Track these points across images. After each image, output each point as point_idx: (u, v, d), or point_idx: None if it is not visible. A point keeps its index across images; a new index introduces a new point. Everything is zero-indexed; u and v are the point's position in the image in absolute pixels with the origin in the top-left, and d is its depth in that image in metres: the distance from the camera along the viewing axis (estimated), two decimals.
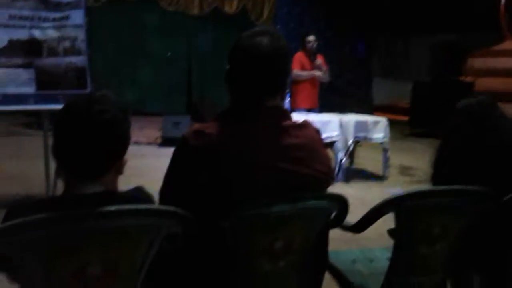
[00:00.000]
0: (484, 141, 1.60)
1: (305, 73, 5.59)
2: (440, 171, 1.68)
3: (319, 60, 5.69)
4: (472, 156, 1.61)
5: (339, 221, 1.50)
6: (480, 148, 1.61)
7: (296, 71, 5.47)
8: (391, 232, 1.91)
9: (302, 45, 5.71)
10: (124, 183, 1.40)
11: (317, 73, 5.65)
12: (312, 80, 5.73)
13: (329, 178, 1.53)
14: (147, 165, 4.90)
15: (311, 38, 5.66)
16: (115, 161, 1.27)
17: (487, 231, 1.65)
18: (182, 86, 10.26)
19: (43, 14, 3.77)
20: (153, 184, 1.51)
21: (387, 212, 1.49)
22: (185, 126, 6.91)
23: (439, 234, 1.55)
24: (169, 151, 1.46)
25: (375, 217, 1.48)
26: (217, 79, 9.94)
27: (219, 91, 9.53)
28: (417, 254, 1.55)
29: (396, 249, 1.56)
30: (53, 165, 3.76)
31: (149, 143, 6.94)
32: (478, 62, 10.51)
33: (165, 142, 6.79)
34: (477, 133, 1.61)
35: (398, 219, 1.51)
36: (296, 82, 5.64)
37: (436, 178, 1.70)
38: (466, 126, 1.61)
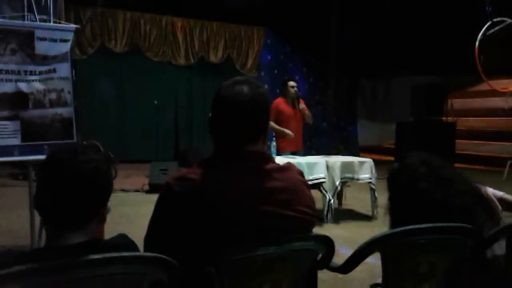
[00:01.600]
0: (439, 192, 1.67)
1: (276, 128, 5.57)
2: (397, 219, 1.74)
3: (302, 104, 5.77)
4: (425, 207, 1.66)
5: (326, 262, 1.49)
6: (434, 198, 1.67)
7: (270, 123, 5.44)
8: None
9: (283, 91, 5.82)
10: (112, 231, 1.39)
11: (287, 131, 5.60)
12: (295, 123, 5.76)
13: (314, 220, 1.54)
14: (135, 212, 4.85)
15: (292, 83, 5.75)
16: (98, 210, 1.28)
17: (473, 268, 1.65)
18: (169, 134, 10.33)
19: (30, 67, 3.82)
20: (141, 231, 1.50)
21: (373, 252, 1.49)
22: (172, 172, 6.89)
23: (426, 272, 1.55)
24: (156, 197, 1.47)
25: (361, 256, 1.48)
26: (203, 126, 10.11)
27: (206, 138, 9.65)
28: None
29: None
30: (38, 216, 3.72)
31: (136, 190, 6.89)
32: (457, 103, 10.82)
33: (153, 188, 6.76)
34: (431, 186, 1.68)
35: (384, 258, 1.52)
36: (280, 126, 5.69)
37: (394, 225, 1.74)
38: (400, 187, 1.71)
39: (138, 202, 5.94)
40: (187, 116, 10.55)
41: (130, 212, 4.87)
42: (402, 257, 1.52)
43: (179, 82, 10.43)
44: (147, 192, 6.83)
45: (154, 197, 1.47)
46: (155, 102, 9.82)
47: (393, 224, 1.73)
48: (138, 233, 1.48)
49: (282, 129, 5.61)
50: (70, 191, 1.21)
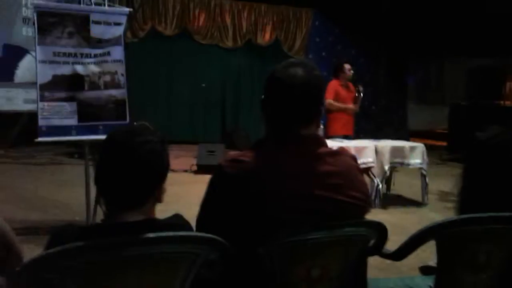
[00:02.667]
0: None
1: (338, 105, 5.58)
2: (468, 200, 1.63)
3: (361, 87, 5.75)
4: (500, 185, 1.56)
5: (378, 249, 1.47)
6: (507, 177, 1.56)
7: (330, 101, 5.50)
8: (423, 270, 1.85)
9: (336, 73, 5.74)
10: (162, 209, 1.43)
11: (351, 106, 5.67)
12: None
13: (367, 205, 1.52)
14: (183, 192, 4.96)
15: (349, 66, 5.72)
16: (155, 190, 1.31)
17: None
18: (216, 116, 10.43)
19: (86, 50, 3.95)
20: (190, 210, 1.53)
21: (428, 240, 1.45)
22: (219, 154, 7.00)
23: (484, 262, 1.50)
24: (204, 178, 1.48)
25: (416, 244, 1.44)
26: (250, 108, 10.13)
27: (253, 120, 9.68)
28: (461, 283, 1.50)
29: (439, 277, 1.51)
30: (93, 193, 3.88)
31: (185, 171, 7.04)
32: None
33: (200, 169, 6.89)
34: (504, 164, 1.57)
35: (440, 247, 1.47)
36: (332, 110, 5.65)
37: (463, 207, 1.65)
38: (493, 156, 1.58)
39: (186, 182, 6.06)
40: (234, 99, 10.60)
41: (179, 191, 4.98)
42: (459, 246, 1.47)
43: (227, 65, 10.46)
44: (195, 172, 6.97)
45: (202, 177, 1.50)
46: (203, 85, 9.94)
47: (461, 205, 1.63)
48: (186, 212, 1.50)
49: (344, 105, 5.60)
50: (128, 172, 1.25)
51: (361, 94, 5.72)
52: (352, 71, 5.71)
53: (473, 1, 9.63)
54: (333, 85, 5.58)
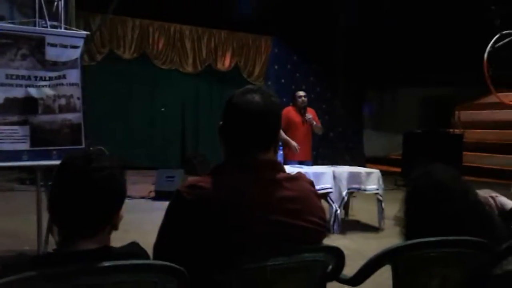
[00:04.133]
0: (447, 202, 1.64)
1: (284, 137, 5.46)
2: (411, 229, 1.71)
3: (310, 114, 5.80)
4: (437, 216, 1.64)
5: (336, 274, 1.48)
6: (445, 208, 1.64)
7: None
8: None
9: (293, 100, 5.86)
10: (118, 238, 1.39)
11: (293, 143, 5.58)
12: (303, 133, 5.79)
13: (324, 230, 1.53)
14: (141, 219, 4.84)
15: (301, 93, 5.82)
16: (111, 217, 1.28)
17: (485, 283, 1.63)
18: (175, 141, 10.35)
19: (40, 73, 3.85)
20: (147, 238, 1.49)
21: (384, 264, 1.48)
22: (179, 179, 6.91)
23: (439, 286, 1.53)
24: (163, 204, 1.46)
25: (373, 269, 1.46)
26: (210, 133, 10.11)
27: (213, 145, 9.66)
28: None
29: None
30: (45, 221, 3.72)
31: (142, 197, 6.89)
32: (464, 115, 10.78)
33: (159, 196, 6.77)
34: (440, 195, 1.66)
35: (395, 271, 1.50)
36: (288, 135, 5.68)
37: (407, 232, 1.71)
38: (429, 189, 1.68)
39: (144, 209, 5.93)
40: (193, 124, 10.58)
41: (136, 219, 4.85)
42: (414, 270, 1.51)
43: (186, 90, 10.46)
44: (153, 199, 6.83)
45: (160, 204, 1.48)
46: (162, 109, 9.87)
47: (406, 235, 1.70)
48: (143, 240, 1.48)
49: (289, 139, 5.61)
50: (83, 199, 1.21)
51: (307, 121, 5.73)
52: (303, 99, 5.76)
53: (425, 34, 10.16)
54: (285, 113, 5.47)
